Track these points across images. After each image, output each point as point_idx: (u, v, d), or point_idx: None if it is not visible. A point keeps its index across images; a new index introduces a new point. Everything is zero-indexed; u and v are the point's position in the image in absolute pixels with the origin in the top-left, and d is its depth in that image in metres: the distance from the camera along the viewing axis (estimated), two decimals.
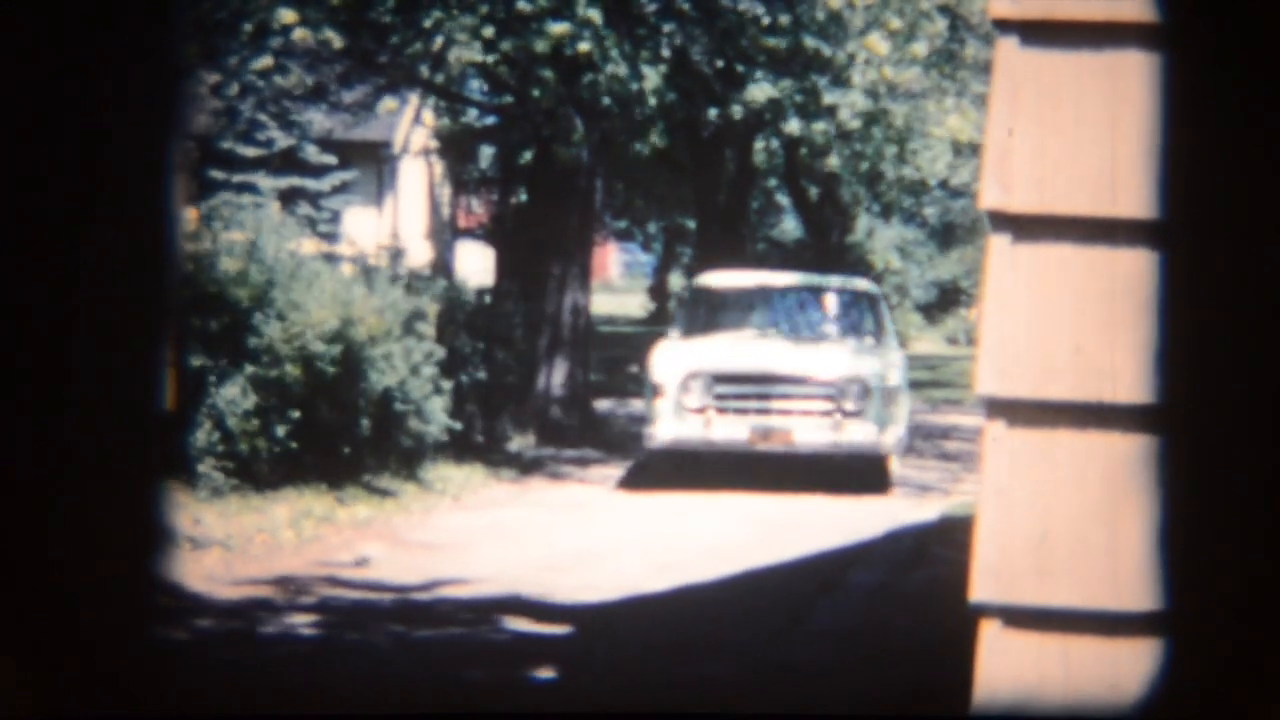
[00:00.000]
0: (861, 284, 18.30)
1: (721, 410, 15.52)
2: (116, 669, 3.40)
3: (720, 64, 20.20)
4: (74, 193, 3.36)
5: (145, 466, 3.54)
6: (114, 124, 3.34)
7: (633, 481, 16.39)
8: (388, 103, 23.81)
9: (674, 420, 15.52)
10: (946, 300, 46.73)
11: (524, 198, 24.55)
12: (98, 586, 3.40)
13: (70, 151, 3.32)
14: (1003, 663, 3.81)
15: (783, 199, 39.77)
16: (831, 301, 17.34)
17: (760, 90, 19.78)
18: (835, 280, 18.31)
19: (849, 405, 15.55)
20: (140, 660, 3.39)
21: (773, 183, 37.24)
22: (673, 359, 15.94)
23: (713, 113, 20.61)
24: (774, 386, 15.59)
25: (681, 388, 15.53)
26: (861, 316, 17.18)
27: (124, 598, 3.46)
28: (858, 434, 15.60)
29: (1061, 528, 3.77)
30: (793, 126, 20.79)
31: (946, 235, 47.65)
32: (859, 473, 15.90)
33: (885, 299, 18.51)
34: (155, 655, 4.03)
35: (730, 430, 15.53)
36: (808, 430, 15.56)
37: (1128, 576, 3.74)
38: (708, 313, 17.24)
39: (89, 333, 3.34)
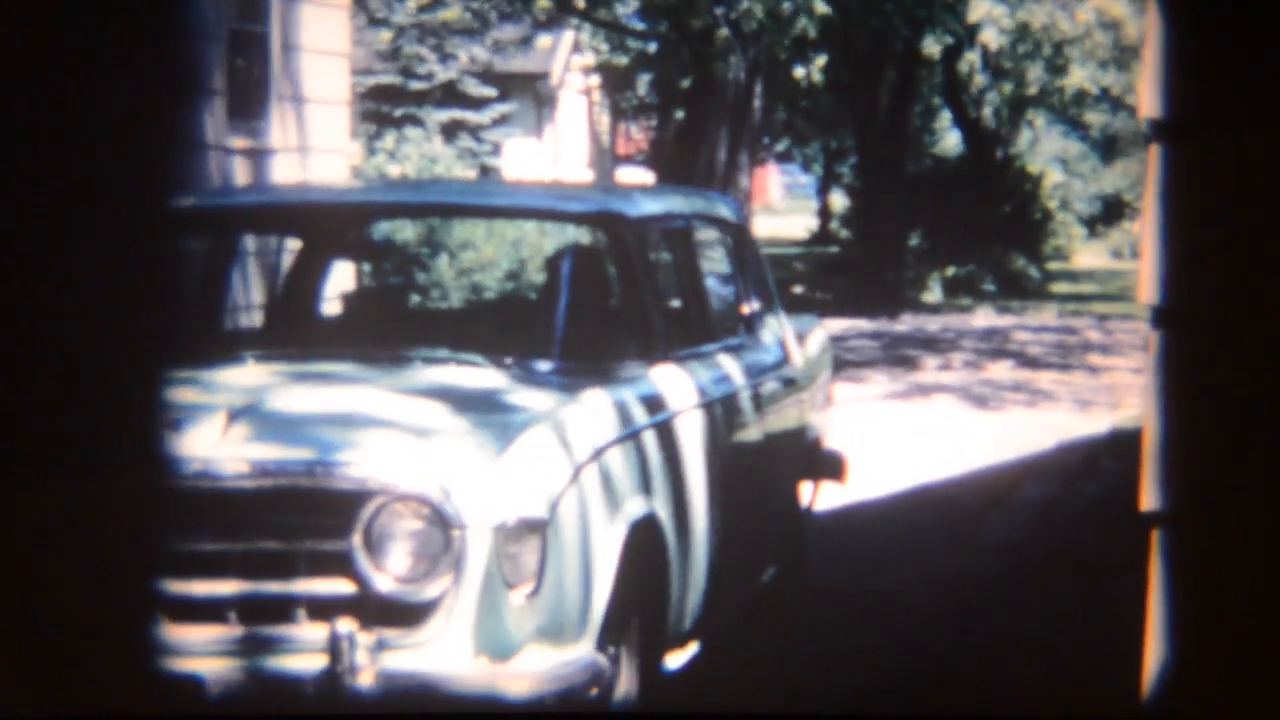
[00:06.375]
0: (624, 205, 6.44)
1: None
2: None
3: None
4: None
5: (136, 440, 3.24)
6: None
7: None
8: (544, 39, 24.02)
9: None
10: (1110, 214, 46.08)
11: (683, 122, 24.61)
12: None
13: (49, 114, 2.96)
14: (1174, 572, 3.83)
15: (945, 114, 39.40)
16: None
17: None
18: (537, 196, 7.53)
19: (391, 579, 4.74)
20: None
21: (936, 101, 36.90)
22: None
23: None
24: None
25: None
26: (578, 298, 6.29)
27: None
28: (413, 664, 4.72)
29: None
30: (966, 25, 20.62)
31: (1109, 147, 46.94)
32: None
33: (740, 238, 7.53)
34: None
35: None
36: (247, 663, 4.79)
37: None
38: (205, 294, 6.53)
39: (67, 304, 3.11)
